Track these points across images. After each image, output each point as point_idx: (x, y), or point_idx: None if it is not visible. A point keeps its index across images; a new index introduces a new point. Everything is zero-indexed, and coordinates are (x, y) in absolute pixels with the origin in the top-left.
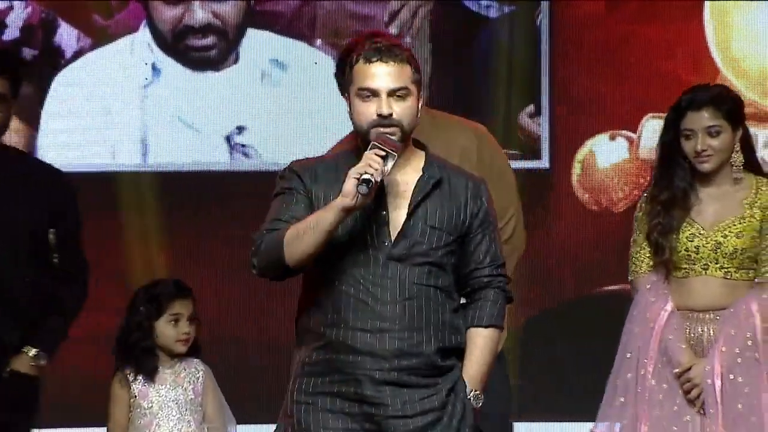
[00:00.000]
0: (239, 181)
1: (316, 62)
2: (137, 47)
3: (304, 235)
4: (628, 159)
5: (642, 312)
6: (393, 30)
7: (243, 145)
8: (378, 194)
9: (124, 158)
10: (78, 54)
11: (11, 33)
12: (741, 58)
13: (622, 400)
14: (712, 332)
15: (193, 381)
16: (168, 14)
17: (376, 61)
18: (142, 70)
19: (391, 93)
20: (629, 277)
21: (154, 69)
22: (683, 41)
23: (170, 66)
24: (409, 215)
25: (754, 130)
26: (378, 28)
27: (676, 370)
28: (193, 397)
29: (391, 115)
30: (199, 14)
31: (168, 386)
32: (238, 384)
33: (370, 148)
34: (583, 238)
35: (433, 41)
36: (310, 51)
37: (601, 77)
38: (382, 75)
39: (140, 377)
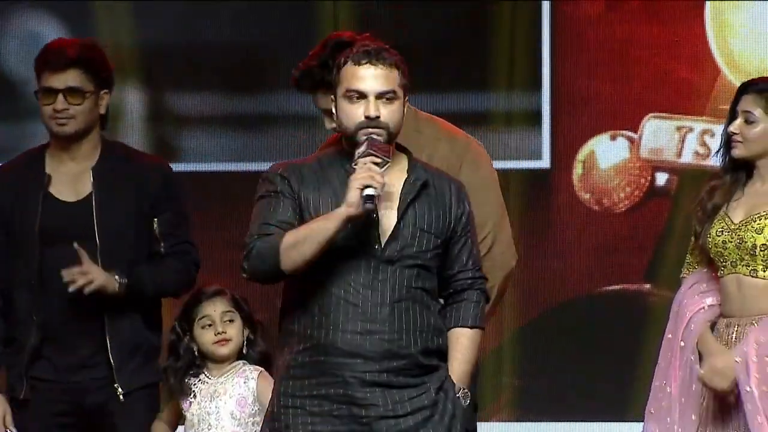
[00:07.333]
0: (239, 181)
1: None
2: None
3: (303, 243)
4: (629, 159)
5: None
6: None
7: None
8: None
9: None
10: None
11: None
12: (742, 58)
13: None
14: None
15: (239, 392)
16: None
17: (366, 63)
18: None
19: (379, 96)
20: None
21: None
22: (684, 41)
23: None
24: (400, 218)
25: None
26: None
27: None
28: (234, 409)
29: (378, 117)
30: None
31: (208, 399)
32: None
33: (365, 155)
34: (584, 239)
35: None
36: None
37: (601, 77)
38: (370, 77)
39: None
